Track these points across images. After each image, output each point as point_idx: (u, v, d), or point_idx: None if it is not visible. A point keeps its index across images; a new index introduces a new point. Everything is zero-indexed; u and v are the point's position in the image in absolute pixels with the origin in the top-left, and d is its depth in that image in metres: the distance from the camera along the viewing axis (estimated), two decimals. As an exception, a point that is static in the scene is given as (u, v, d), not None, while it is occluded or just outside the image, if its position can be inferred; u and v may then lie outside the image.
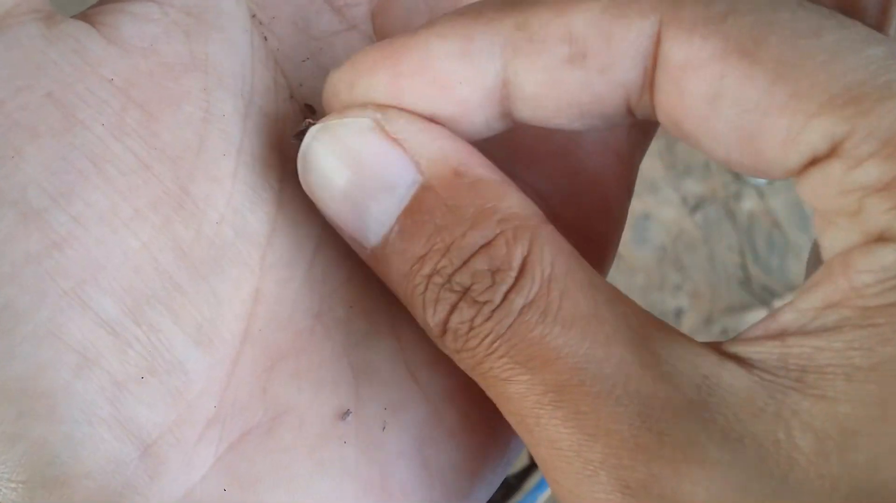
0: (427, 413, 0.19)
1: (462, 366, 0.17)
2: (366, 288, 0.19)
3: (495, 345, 0.15)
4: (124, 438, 0.16)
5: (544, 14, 0.16)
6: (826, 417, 0.13)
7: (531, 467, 0.60)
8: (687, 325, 0.71)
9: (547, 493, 0.60)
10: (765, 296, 0.71)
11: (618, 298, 0.16)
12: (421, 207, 0.16)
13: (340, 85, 0.17)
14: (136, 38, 0.18)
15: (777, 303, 0.71)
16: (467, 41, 0.16)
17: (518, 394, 0.15)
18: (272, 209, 0.18)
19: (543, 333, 0.15)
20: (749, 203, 0.73)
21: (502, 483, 0.59)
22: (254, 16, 0.19)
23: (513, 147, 0.21)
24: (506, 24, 0.16)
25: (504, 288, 0.15)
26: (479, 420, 0.19)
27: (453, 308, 0.16)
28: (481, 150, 0.21)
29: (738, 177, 0.74)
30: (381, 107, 0.17)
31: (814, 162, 0.14)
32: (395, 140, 0.16)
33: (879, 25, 0.17)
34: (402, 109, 0.17)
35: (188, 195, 0.17)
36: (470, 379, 0.19)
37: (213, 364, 0.17)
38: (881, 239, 0.14)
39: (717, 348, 0.15)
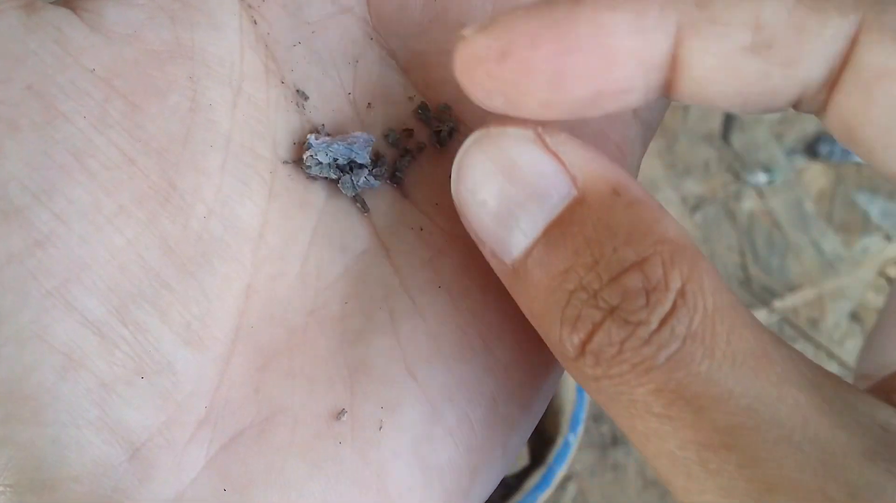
0: (425, 412, 0.18)
1: (596, 395, 0.15)
2: (362, 283, 0.19)
3: (651, 375, 0.14)
4: (112, 441, 0.16)
5: None
6: None
7: (531, 467, 0.59)
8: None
9: (547, 493, 0.59)
10: (765, 297, 0.71)
11: (781, 342, 0.15)
12: (572, 219, 0.15)
13: (488, 52, 0.16)
14: (119, 24, 0.17)
15: (777, 304, 0.70)
16: (640, 16, 0.15)
17: (677, 434, 0.14)
18: (263, 201, 0.18)
19: (710, 368, 0.14)
20: (749, 203, 0.73)
21: (501, 483, 0.58)
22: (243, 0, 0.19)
23: None
24: (686, 0, 0.15)
25: (662, 311, 0.14)
26: (477, 419, 0.18)
27: (597, 327, 0.15)
28: None
29: (738, 177, 0.74)
30: (543, 122, 0.16)
31: None
32: (554, 153, 0.16)
33: None
34: (561, 128, 0.16)
35: (174, 189, 0.17)
36: (468, 376, 0.18)
37: (203, 363, 0.17)
38: None
39: (888, 396, 0.14)
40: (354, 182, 0.19)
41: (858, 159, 0.73)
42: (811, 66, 0.15)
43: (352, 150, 0.19)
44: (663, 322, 0.14)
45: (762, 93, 0.15)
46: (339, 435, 0.17)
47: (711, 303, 0.14)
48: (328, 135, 0.19)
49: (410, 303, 0.19)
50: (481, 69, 0.16)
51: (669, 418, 0.14)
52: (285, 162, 0.19)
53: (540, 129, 0.16)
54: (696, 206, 0.71)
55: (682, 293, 0.14)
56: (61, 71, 0.16)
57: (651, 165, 0.70)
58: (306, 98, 0.19)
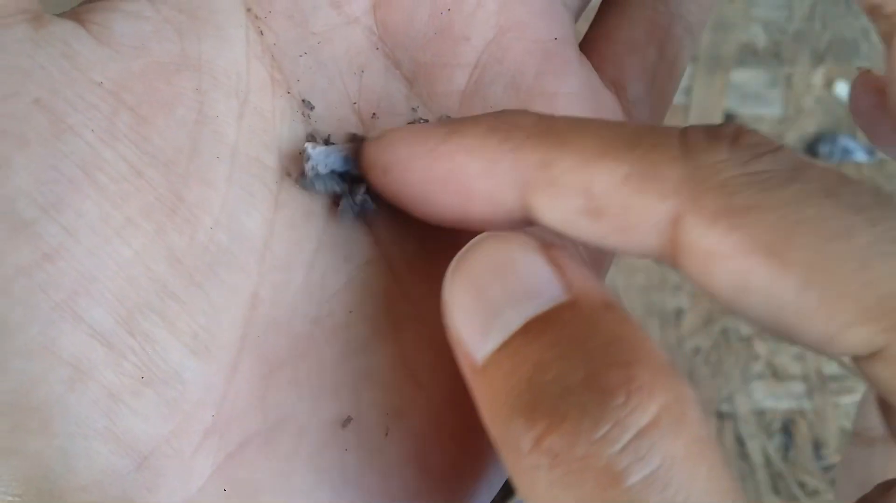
0: (429, 418, 0.18)
1: (537, 488, 0.14)
2: (366, 292, 0.19)
3: (615, 484, 0.13)
4: (120, 451, 0.16)
5: (568, 161, 0.16)
6: None
7: None
8: (687, 325, 0.71)
9: None
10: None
11: (739, 492, 0.14)
12: (559, 317, 0.15)
13: (377, 165, 0.18)
14: (127, 37, 0.17)
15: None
16: (491, 164, 0.16)
17: None
18: (269, 212, 0.18)
19: None
20: (748, 202, 0.73)
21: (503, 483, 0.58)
22: (249, 10, 0.19)
23: None
24: (530, 159, 0.16)
25: (636, 426, 0.14)
26: (481, 423, 0.19)
27: (559, 423, 0.14)
28: None
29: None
30: (544, 237, 0.17)
31: (858, 359, 0.14)
32: (555, 263, 0.16)
33: None
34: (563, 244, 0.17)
35: (181, 201, 0.17)
36: None
37: (210, 373, 0.17)
38: None
39: None
40: (353, 208, 0.19)
41: (859, 159, 0.73)
42: (643, 236, 0.15)
43: (348, 161, 0.19)
44: (639, 435, 0.14)
45: (609, 246, 0.16)
46: (345, 442, 0.18)
47: (693, 433, 0.14)
48: (326, 142, 0.19)
49: (412, 311, 0.19)
50: (373, 176, 0.18)
51: None
52: (289, 174, 0.19)
53: (545, 243, 0.16)
54: (695, 205, 0.72)
55: (666, 410, 0.14)
56: (69, 84, 0.16)
57: (651, 165, 0.71)
58: (312, 108, 0.19)
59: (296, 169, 0.19)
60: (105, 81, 0.17)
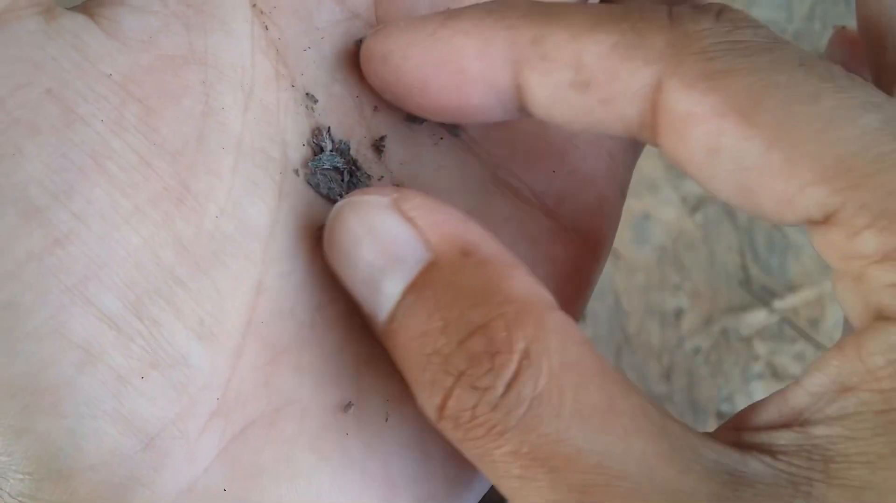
0: None
1: (468, 457, 0.16)
2: None
3: (506, 437, 0.15)
4: (128, 432, 0.16)
5: (560, 35, 0.16)
6: None
7: None
8: (687, 325, 0.71)
9: None
10: (765, 297, 0.71)
11: (632, 389, 0.15)
12: (425, 284, 0.16)
13: (376, 54, 0.19)
14: (135, 31, 0.18)
15: (777, 304, 0.71)
16: (487, 43, 0.17)
17: (539, 495, 0.15)
18: (273, 201, 0.19)
19: (559, 428, 0.14)
20: (748, 203, 0.73)
21: None
22: (254, 5, 0.19)
23: (509, 146, 0.21)
24: (523, 36, 0.17)
25: (507, 374, 0.15)
26: None
27: (449, 392, 0.15)
28: (475, 147, 0.21)
29: (736, 176, 0.75)
30: (400, 188, 0.18)
31: (812, 223, 0.15)
32: (409, 218, 0.17)
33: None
34: (416, 191, 0.17)
35: (188, 190, 0.17)
36: None
37: (215, 357, 0.17)
38: (883, 317, 0.14)
39: (734, 439, 0.15)
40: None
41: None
42: (625, 105, 0.16)
43: (351, 161, 0.20)
44: (509, 386, 0.15)
45: (592, 122, 0.17)
46: (346, 426, 0.18)
47: (557, 361, 0.15)
48: (332, 143, 0.20)
49: None
50: (372, 68, 0.19)
51: (528, 479, 0.15)
52: (296, 171, 0.19)
53: (396, 196, 0.17)
54: (696, 206, 0.72)
55: (526, 354, 0.15)
56: (79, 76, 0.17)
57: (652, 165, 0.71)
58: (315, 101, 0.20)
59: (302, 165, 0.19)
60: (114, 73, 0.17)
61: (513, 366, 0.15)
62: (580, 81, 0.16)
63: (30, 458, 0.16)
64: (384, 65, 0.18)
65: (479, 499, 0.20)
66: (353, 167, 0.20)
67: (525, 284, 0.16)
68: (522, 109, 0.18)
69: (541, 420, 0.15)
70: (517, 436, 0.15)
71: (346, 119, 0.20)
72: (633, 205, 0.71)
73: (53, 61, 0.17)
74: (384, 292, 0.17)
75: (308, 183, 0.19)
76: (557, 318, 0.16)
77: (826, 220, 0.14)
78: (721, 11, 0.16)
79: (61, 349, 0.16)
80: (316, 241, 0.19)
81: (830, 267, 0.15)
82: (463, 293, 0.16)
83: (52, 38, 0.17)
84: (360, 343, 0.19)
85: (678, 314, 0.71)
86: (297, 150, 0.19)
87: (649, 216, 0.71)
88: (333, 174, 0.19)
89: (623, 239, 0.71)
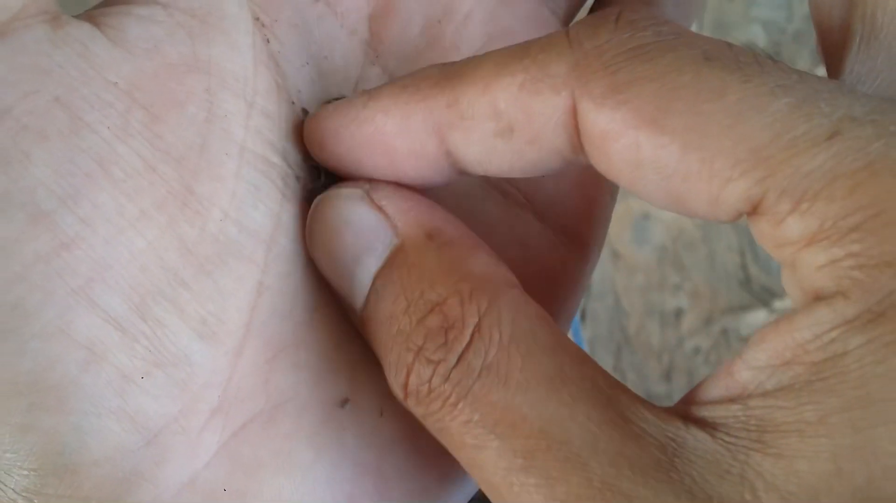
0: None
1: (435, 434, 0.17)
2: None
3: (459, 407, 0.15)
4: (131, 428, 0.17)
5: (471, 92, 0.17)
6: (787, 476, 0.13)
7: None
8: (687, 325, 0.71)
9: None
10: (765, 297, 0.71)
11: (585, 360, 0.16)
12: (392, 267, 0.17)
13: (313, 140, 0.19)
14: (140, 39, 0.18)
15: (777, 304, 0.71)
16: (406, 119, 0.17)
17: (489, 462, 0.15)
18: (275, 206, 0.19)
19: (506, 397, 0.15)
20: (748, 203, 0.73)
21: None
22: (257, 19, 0.20)
23: None
24: (439, 102, 0.17)
25: (458, 347, 0.16)
26: None
27: (410, 369, 0.16)
28: None
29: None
30: (373, 180, 0.18)
31: (744, 215, 0.15)
32: (378, 206, 0.18)
33: None
34: (389, 182, 0.18)
35: (192, 194, 0.18)
36: None
37: (216, 356, 0.18)
38: (818, 298, 0.14)
39: (681, 412, 0.15)
40: None
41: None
42: (551, 139, 0.16)
43: None
44: (461, 358, 0.16)
45: (527, 165, 0.17)
46: (343, 422, 0.18)
47: (508, 333, 0.16)
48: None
49: None
50: (314, 151, 0.19)
51: (480, 448, 0.15)
52: (298, 178, 0.20)
53: (368, 187, 0.18)
54: (695, 206, 0.72)
55: (478, 327, 0.16)
56: (86, 83, 0.17)
57: (651, 166, 0.71)
58: (307, 113, 0.20)
59: (304, 176, 0.20)
60: (120, 81, 0.17)
61: (465, 340, 0.16)
62: (502, 129, 0.16)
63: (35, 454, 0.16)
64: (322, 150, 0.19)
65: (470, 496, 0.20)
66: None
67: (484, 264, 0.17)
68: (461, 171, 0.18)
69: (490, 389, 0.15)
70: (469, 406, 0.15)
71: None
72: (633, 205, 0.71)
73: (60, 69, 0.17)
74: (358, 279, 0.17)
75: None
76: (513, 295, 0.16)
77: (753, 211, 0.15)
78: (619, 16, 0.16)
79: (66, 349, 0.16)
80: None
81: (770, 251, 0.15)
82: (425, 273, 0.16)
83: (59, 47, 0.17)
84: (355, 341, 0.19)
85: (678, 314, 0.71)
86: (298, 157, 0.20)
87: (649, 216, 0.71)
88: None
89: (623, 239, 0.71)
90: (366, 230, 0.17)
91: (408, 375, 0.16)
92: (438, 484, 0.19)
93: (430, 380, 0.16)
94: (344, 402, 0.19)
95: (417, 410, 0.16)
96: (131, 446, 0.17)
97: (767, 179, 0.14)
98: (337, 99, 0.20)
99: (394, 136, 0.18)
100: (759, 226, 0.15)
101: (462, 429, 0.15)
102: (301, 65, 0.20)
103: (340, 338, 0.19)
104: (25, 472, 0.16)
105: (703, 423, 0.15)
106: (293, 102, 0.20)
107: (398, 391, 0.17)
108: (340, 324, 0.19)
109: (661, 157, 0.15)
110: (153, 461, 0.17)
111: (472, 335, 0.16)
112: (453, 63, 0.18)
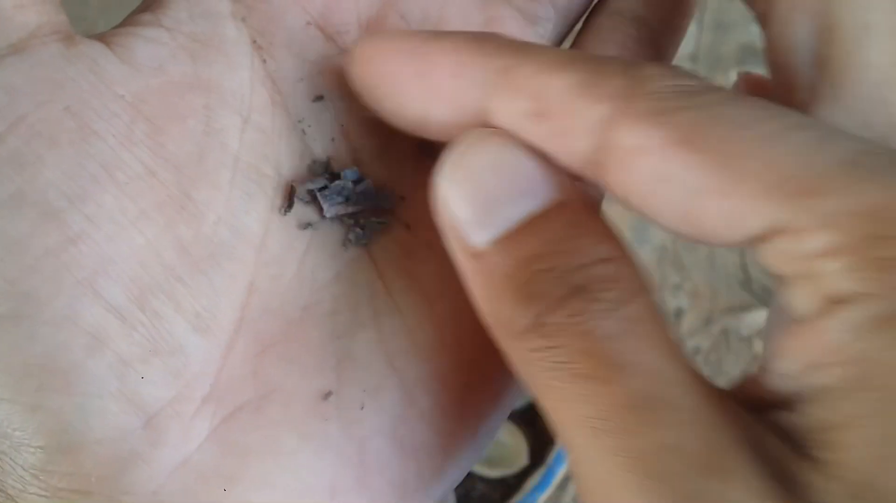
0: (401, 396, 0.20)
1: (526, 367, 0.17)
2: (351, 285, 0.21)
3: (587, 340, 0.16)
4: (129, 410, 0.18)
5: (528, 68, 0.17)
6: (843, 471, 0.14)
7: (531, 467, 0.59)
8: (687, 325, 0.70)
9: (547, 493, 0.59)
10: (765, 297, 0.71)
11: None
12: (554, 216, 0.17)
13: (362, 56, 0.19)
14: (147, 58, 0.19)
15: (778, 305, 0.71)
16: (461, 66, 0.18)
17: (591, 399, 0.16)
18: (266, 213, 0.20)
19: (638, 349, 0.16)
20: (751, 205, 0.73)
21: (501, 482, 0.58)
22: (254, 41, 0.21)
23: None
24: (495, 63, 0.18)
25: (619, 298, 0.16)
26: (449, 404, 0.20)
27: (558, 302, 0.16)
28: None
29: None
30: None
31: (756, 240, 0.16)
32: (543, 163, 0.18)
33: None
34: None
35: (189, 199, 0.19)
36: (442, 367, 0.20)
37: (209, 348, 0.19)
38: (839, 301, 0.15)
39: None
40: (359, 238, 0.21)
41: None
42: (576, 139, 0.17)
43: (353, 197, 0.21)
44: (615, 306, 0.16)
45: (547, 153, 0.18)
46: (326, 413, 0.19)
47: (652, 315, 0.16)
48: (328, 170, 0.21)
49: (392, 303, 0.21)
50: (356, 68, 0.19)
51: (594, 379, 0.16)
52: (291, 185, 0.21)
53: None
54: (697, 207, 0.72)
55: (639, 290, 0.16)
56: (95, 96, 0.18)
57: (654, 167, 0.71)
58: (309, 126, 0.21)
59: (295, 175, 0.21)
60: (126, 94, 0.19)
61: (626, 294, 0.16)
62: (538, 111, 0.17)
63: (43, 433, 0.17)
64: (367, 66, 0.19)
65: (451, 489, 0.21)
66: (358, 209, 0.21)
67: (629, 251, 0.17)
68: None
69: (627, 335, 0.16)
70: (600, 342, 0.16)
71: (334, 145, 0.21)
72: (634, 205, 0.71)
73: (72, 82, 0.18)
74: (505, 213, 0.17)
75: (325, 216, 0.21)
76: (650, 300, 0.17)
77: (773, 234, 0.15)
78: (661, 64, 0.17)
79: (73, 335, 0.17)
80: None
81: (773, 274, 0.16)
82: (591, 233, 0.17)
83: (71, 62, 0.18)
84: (341, 340, 0.20)
85: (678, 314, 0.71)
86: (290, 169, 0.21)
87: (650, 217, 0.72)
88: (339, 218, 0.21)
89: (623, 239, 0.71)
90: (529, 177, 0.18)
91: (551, 307, 0.16)
92: (417, 476, 0.20)
93: (578, 314, 0.16)
94: (328, 395, 0.20)
95: (536, 343, 0.16)
96: (130, 427, 0.18)
97: (794, 201, 0.15)
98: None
99: (445, 77, 0.18)
100: (775, 246, 0.15)
101: (580, 358, 0.16)
102: (296, 81, 0.21)
103: (327, 336, 0.20)
104: (33, 450, 0.17)
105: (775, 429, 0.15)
106: (287, 113, 0.21)
107: (523, 322, 0.17)
108: (328, 322, 0.20)
109: (689, 174, 0.16)
110: (149, 442, 0.18)
111: (634, 293, 0.16)
112: (521, 40, 0.19)
